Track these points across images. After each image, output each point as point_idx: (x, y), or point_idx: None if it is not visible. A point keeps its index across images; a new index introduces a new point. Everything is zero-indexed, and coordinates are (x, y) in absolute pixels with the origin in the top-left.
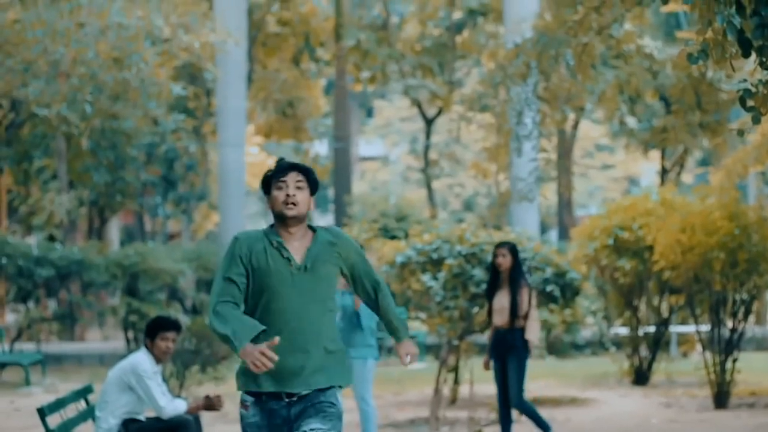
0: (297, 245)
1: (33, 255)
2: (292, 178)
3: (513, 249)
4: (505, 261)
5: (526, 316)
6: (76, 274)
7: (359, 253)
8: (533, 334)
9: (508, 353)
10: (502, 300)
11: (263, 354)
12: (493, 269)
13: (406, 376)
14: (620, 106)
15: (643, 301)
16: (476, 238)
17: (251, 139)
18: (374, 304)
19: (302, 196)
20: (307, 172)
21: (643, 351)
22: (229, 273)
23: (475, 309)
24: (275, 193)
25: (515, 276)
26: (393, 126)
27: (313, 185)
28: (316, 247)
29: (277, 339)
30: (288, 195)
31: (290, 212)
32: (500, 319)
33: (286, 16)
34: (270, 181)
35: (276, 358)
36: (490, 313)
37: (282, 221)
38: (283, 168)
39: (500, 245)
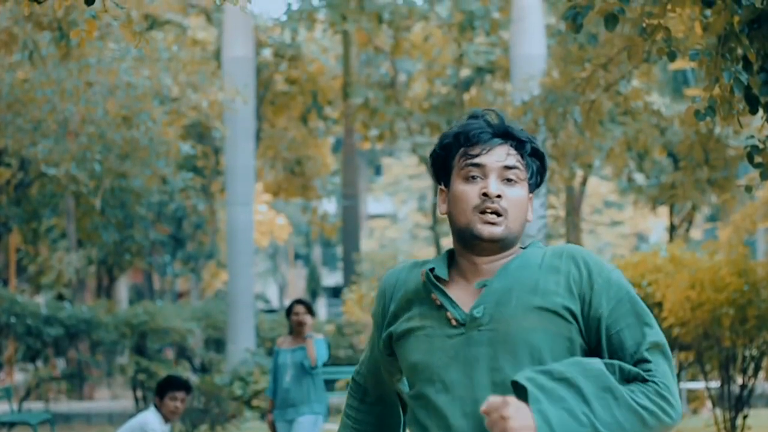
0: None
1: (42, 314)
2: (498, 160)
3: None
4: None
5: None
6: (84, 333)
7: (624, 297)
8: None
9: None
10: None
11: None
12: None
13: None
14: (628, 162)
15: None
16: None
17: (260, 198)
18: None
19: (516, 197)
20: (534, 150)
21: None
22: (372, 338)
23: None
24: (460, 187)
25: None
26: (401, 184)
27: (538, 172)
28: (507, 278)
29: None
30: (487, 194)
31: (490, 231)
32: None
33: (294, 75)
34: (448, 160)
35: None
36: None
37: (469, 245)
38: (480, 134)
39: None
